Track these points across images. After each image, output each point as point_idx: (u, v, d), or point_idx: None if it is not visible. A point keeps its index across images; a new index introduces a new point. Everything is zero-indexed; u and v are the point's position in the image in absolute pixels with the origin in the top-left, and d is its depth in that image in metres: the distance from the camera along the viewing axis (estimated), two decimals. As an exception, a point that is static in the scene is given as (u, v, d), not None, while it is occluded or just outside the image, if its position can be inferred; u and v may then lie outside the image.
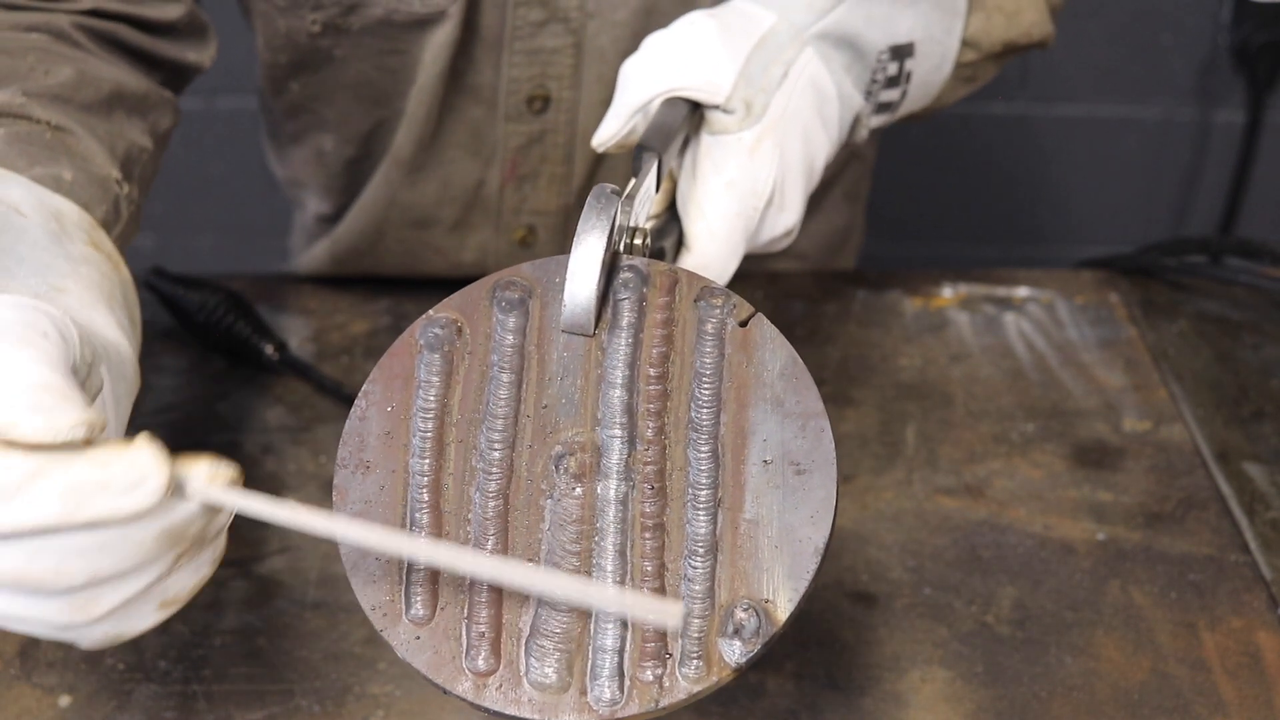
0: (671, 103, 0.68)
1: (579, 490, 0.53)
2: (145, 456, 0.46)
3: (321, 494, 0.85)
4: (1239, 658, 0.75)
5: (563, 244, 1.05)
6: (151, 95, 0.80)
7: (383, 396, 0.55)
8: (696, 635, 0.50)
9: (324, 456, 0.89)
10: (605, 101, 0.96)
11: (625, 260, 0.57)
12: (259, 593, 0.79)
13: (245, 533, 0.83)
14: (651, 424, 0.54)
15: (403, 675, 0.74)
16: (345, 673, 0.74)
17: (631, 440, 0.54)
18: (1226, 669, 0.74)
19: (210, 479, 0.48)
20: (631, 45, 0.93)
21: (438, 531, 0.53)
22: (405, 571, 0.52)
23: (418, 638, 0.51)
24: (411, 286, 1.07)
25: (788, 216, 0.70)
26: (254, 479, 0.87)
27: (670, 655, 0.50)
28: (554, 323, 0.56)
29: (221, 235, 2.00)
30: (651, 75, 0.68)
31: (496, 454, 0.54)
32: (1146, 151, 1.90)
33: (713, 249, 0.67)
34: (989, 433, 0.93)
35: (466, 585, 0.52)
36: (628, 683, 0.50)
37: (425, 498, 0.53)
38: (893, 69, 0.75)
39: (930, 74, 0.79)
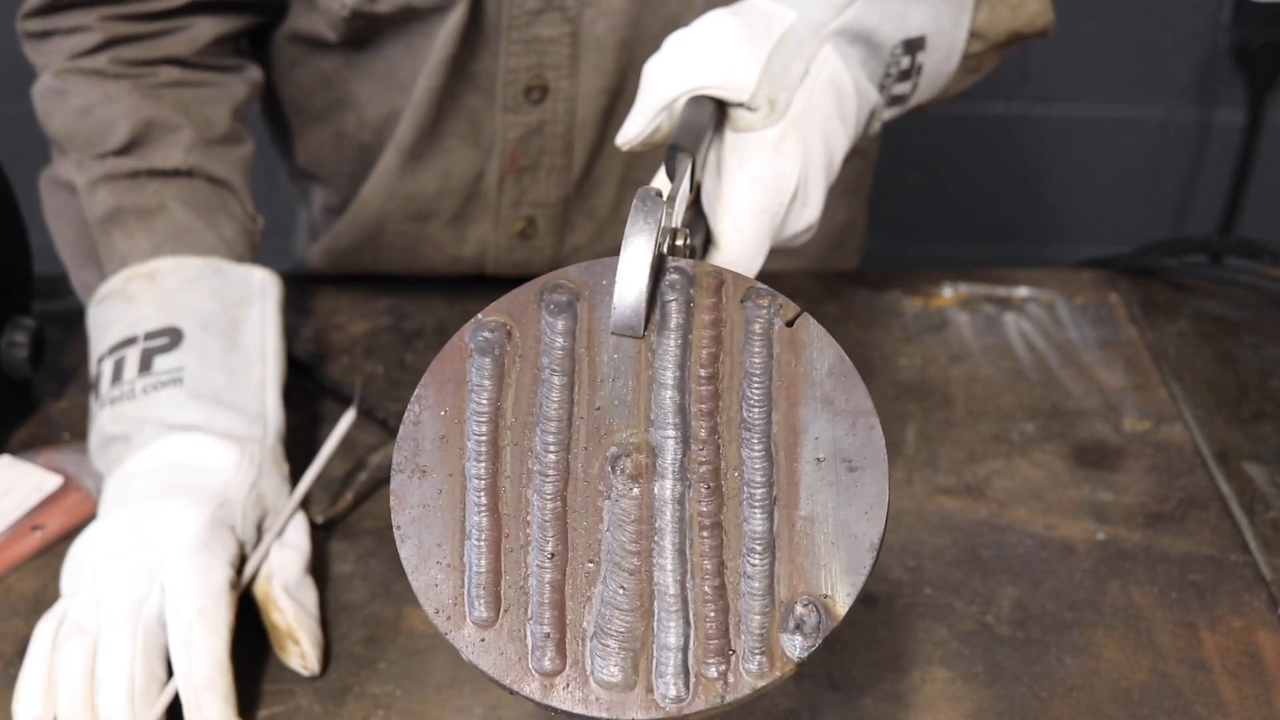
0: (697, 101, 0.68)
1: (636, 491, 0.53)
2: None
3: (322, 493, 0.85)
4: (1239, 658, 0.75)
5: (562, 236, 1.05)
6: (253, 88, 0.98)
7: (435, 401, 0.55)
8: (758, 631, 0.51)
9: (324, 456, 0.89)
10: (603, 91, 0.96)
11: (671, 262, 0.57)
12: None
13: (245, 533, 0.83)
14: (704, 424, 0.54)
15: (403, 675, 0.74)
16: (345, 673, 0.74)
17: (685, 440, 0.54)
18: (1226, 669, 0.74)
19: None
20: (628, 34, 0.94)
21: (497, 534, 0.53)
22: (467, 575, 0.52)
23: (482, 640, 0.52)
24: (411, 287, 1.07)
25: (810, 211, 0.71)
26: (254, 479, 0.87)
27: (733, 652, 0.51)
28: (603, 325, 0.56)
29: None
30: (676, 74, 0.68)
31: (552, 456, 0.54)
32: (1146, 151, 1.90)
33: (740, 246, 0.68)
34: (989, 433, 0.93)
35: (529, 587, 0.52)
36: (693, 679, 0.51)
37: (484, 501, 0.53)
38: (905, 63, 0.76)
39: (939, 65, 0.79)
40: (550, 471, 0.54)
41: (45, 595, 0.78)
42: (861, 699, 0.73)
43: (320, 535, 0.83)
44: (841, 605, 0.51)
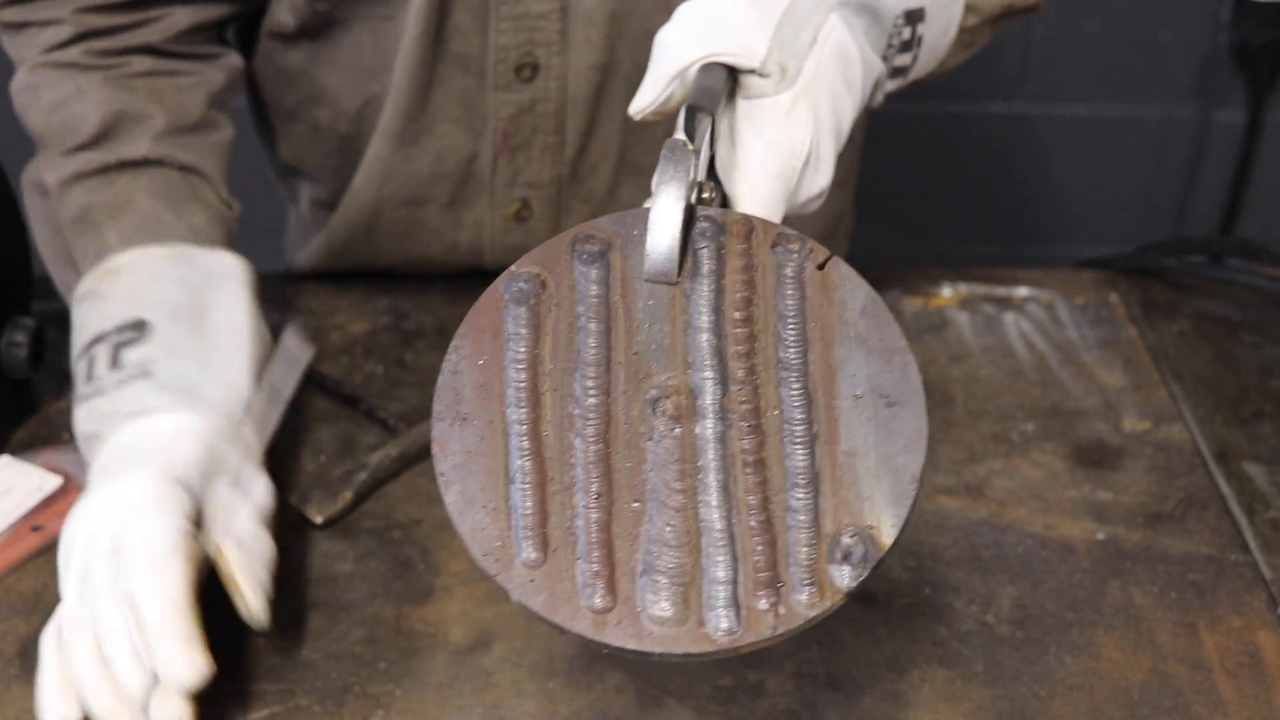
0: (709, 68, 0.69)
1: (678, 431, 0.55)
2: None
3: (322, 493, 0.85)
4: (1239, 658, 0.75)
5: (557, 217, 1.05)
6: (232, 74, 0.97)
7: (473, 350, 0.56)
8: (806, 563, 0.52)
9: (324, 456, 0.89)
10: (594, 66, 0.97)
11: (700, 211, 0.59)
12: (259, 592, 0.78)
13: (245, 532, 0.83)
14: (742, 365, 0.56)
15: (403, 675, 0.74)
16: (345, 673, 0.74)
17: (724, 381, 0.55)
18: (1226, 669, 0.74)
19: None
20: (618, 6, 0.94)
21: (541, 477, 0.54)
22: (513, 517, 0.53)
23: (532, 580, 0.52)
24: (411, 286, 1.07)
25: (822, 177, 0.72)
26: (254, 479, 0.87)
27: (783, 583, 0.52)
28: (636, 273, 0.57)
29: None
30: (688, 42, 0.69)
31: (592, 400, 0.55)
32: (1146, 151, 1.90)
33: (756, 210, 0.69)
34: (989, 433, 0.93)
35: (576, 526, 0.53)
36: (743, 612, 0.52)
37: (527, 445, 0.54)
38: (907, 33, 0.77)
39: (938, 38, 0.81)
40: (591, 415, 0.55)
41: (45, 595, 0.78)
42: (861, 699, 0.73)
43: (320, 535, 0.83)
44: (887, 535, 0.53)
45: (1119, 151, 1.90)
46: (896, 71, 0.79)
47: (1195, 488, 0.88)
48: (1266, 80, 1.81)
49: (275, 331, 0.98)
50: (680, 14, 0.71)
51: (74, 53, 0.90)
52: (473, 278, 1.08)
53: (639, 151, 1.03)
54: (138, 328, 0.82)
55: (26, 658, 0.74)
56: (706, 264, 0.58)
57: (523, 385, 0.55)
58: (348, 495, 0.85)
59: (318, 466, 0.88)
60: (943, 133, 1.87)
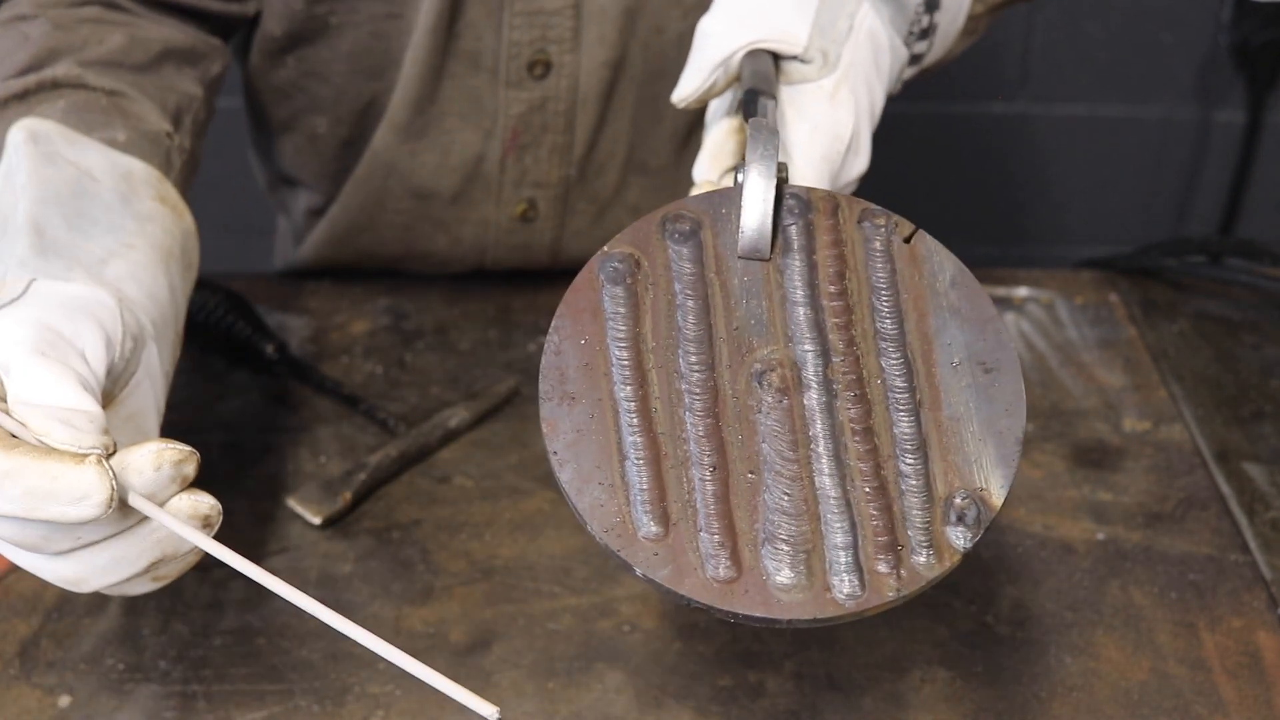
0: (755, 55, 0.70)
1: (785, 402, 0.56)
2: (90, 476, 0.53)
3: (321, 493, 0.85)
4: (1239, 658, 0.75)
5: (562, 218, 1.05)
6: (200, 45, 0.88)
7: (573, 331, 0.57)
8: (922, 526, 0.54)
9: (324, 456, 0.89)
10: (606, 64, 0.97)
11: (786, 189, 0.60)
12: (259, 593, 0.78)
13: (245, 533, 0.83)
14: (841, 337, 0.57)
15: (403, 675, 0.74)
16: (345, 673, 0.74)
17: (825, 353, 0.57)
18: (1226, 669, 0.74)
19: (192, 510, 0.56)
20: (630, 3, 0.94)
21: (655, 453, 0.54)
22: (631, 493, 0.54)
23: (656, 554, 0.53)
24: (411, 287, 1.07)
25: (861, 160, 0.73)
26: (254, 479, 0.87)
27: (901, 546, 0.53)
28: (729, 251, 0.59)
29: (220, 235, 1.99)
30: (731, 30, 0.70)
31: (698, 376, 0.56)
32: (1146, 151, 1.90)
33: None
34: (989, 433, 0.93)
35: (694, 499, 0.54)
36: (866, 576, 0.53)
37: (637, 422, 0.55)
38: (925, 21, 0.79)
39: (949, 26, 0.83)
40: (698, 390, 0.56)
41: (45, 595, 0.78)
42: (861, 699, 0.73)
43: (319, 535, 0.83)
44: (997, 497, 0.54)
45: (1119, 151, 1.90)
46: (914, 59, 0.81)
47: (1195, 488, 0.88)
48: (1266, 80, 1.81)
49: (269, 335, 0.98)
50: (721, 3, 0.72)
51: (24, 5, 0.84)
52: (473, 279, 1.08)
53: (646, 152, 1.03)
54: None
55: (26, 658, 0.74)
56: (796, 240, 0.59)
57: (627, 363, 0.56)
58: (347, 495, 0.85)
59: (317, 466, 0.88)
60: (943, 133, 1.87)
